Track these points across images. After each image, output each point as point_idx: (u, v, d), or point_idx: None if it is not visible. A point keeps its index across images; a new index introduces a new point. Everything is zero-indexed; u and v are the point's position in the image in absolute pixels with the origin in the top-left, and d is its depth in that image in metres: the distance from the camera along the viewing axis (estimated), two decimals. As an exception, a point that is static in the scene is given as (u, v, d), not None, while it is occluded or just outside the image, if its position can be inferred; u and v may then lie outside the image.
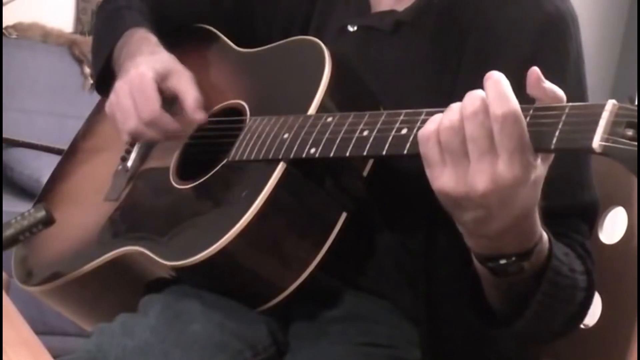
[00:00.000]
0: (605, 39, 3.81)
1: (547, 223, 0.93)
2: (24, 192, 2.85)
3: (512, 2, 1.10)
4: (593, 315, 1.18)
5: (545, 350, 1.21)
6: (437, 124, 0.85)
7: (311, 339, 1.11)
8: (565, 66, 1.08)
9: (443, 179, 0.84)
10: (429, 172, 0.85)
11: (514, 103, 0.81)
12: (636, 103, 0.77)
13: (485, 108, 0.82)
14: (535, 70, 0.83)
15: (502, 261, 0.91)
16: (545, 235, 0.93)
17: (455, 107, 0.84)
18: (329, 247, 1.05)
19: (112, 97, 1.20)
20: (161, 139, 1.20)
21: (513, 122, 0.80)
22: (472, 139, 0.82)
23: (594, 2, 3.84)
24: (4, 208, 2.25)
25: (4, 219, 1.16)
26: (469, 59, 1.09)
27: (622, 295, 1.15)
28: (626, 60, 3.81)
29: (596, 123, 0.77)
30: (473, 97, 0.83)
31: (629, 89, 3.64)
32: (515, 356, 1.15)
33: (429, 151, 0.85)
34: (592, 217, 1.09)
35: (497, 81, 0.82)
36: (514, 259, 0.91)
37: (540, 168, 0.84)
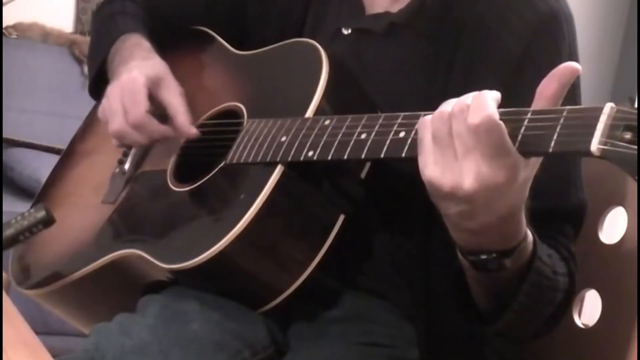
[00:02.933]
0: (605, 39, 3.80)
1: (533, 223, 0.94)
2: (24, 192, 2.85)
3: (505, 2, 1.10)
4: (593, 315, 1.18)
5: (545, 350, 1.21)
6: (433, 114, 0.86)
7: (311, 339, 1.11)
8: (555, 67, 1.08)
9: (430, 168, 0.85)
10: (420, 160, 0.87)
11: (490, 112, 0.81)
12: (636, 105, 0.77)
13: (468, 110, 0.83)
14: (573, 66, 0.84)
15: (483, 256, 0.92)
16: (530, 236, 0.94)
17: (452, 101, 0.86)
18: (328, 249, 1.05)
19: (104, 101, 1.21)
20: (145, 143, 1.20)
21: (486, 131, 0.81)
22: (457, 134, 0.83)
23: (594, 2, 3.84)
24: (4, 208, 2.25)
25: (4, 219, 1.16)
26: (462, 59, 1.09)
27: (622, 295, 1.15)
28: (626, 61, 3.81)
29: (594, 127, 0.77)
30: (466, 97, 0.84)
31: (629, 90, 3.64)
32: (513, 356, 1.15)
33: (424, 137, 0.86)
34: (579, 219, 1.10)
35: (481, 92, 0.83)
36: (494, 255, 0.92)
37: (529, 169, 0.84)
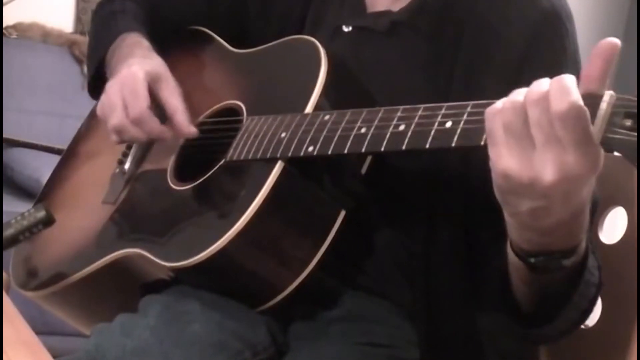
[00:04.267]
0: (605, 39, 3.80)
1: None
2: (24, 192, 2.85)
3: (506, 1, 1.09)
4: (593, 315, 1.18)
5: (545, 349, 1.21)
6: (502, 103, 0.82)
7: (311, 339, 1.11)
8: (562, 63, 1.07)
9: (506, 159, 0.80)
10: (492, 152, 0.82)
11: (576, 98, 0.77)
12: (636, 94, 0.77)
13: (548, 97, 0.78)
14: (613, 41, 0.82)
15: (544, 257, 0.89)
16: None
17: (521, 91, 0.81)
18: (328, 246, 1.05)
19: (103, 97, 1.20)
20: (144, 140, 1.19)
21: (575, 118, 0.77)
22: (535, 124, 0.79)
23: (594, 2, 3.84)
24: (4, 208, 2.25)
25: (4, 219, 1.16)
26: (464, 58, 1.09)
27: (622, 295, 1.15)
28: (626, 60, 3.81)
29: (594, 114, 0.76)
30: (539, 84, 0.80)
31: (629, 89, 3.63)
32: (514, 355, 1.15)
33: (493, 128, 0.81)
34: (594, 214, 1.09)
35: (560, 78, 0.79)
36: (557, 255, 0.88)
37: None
